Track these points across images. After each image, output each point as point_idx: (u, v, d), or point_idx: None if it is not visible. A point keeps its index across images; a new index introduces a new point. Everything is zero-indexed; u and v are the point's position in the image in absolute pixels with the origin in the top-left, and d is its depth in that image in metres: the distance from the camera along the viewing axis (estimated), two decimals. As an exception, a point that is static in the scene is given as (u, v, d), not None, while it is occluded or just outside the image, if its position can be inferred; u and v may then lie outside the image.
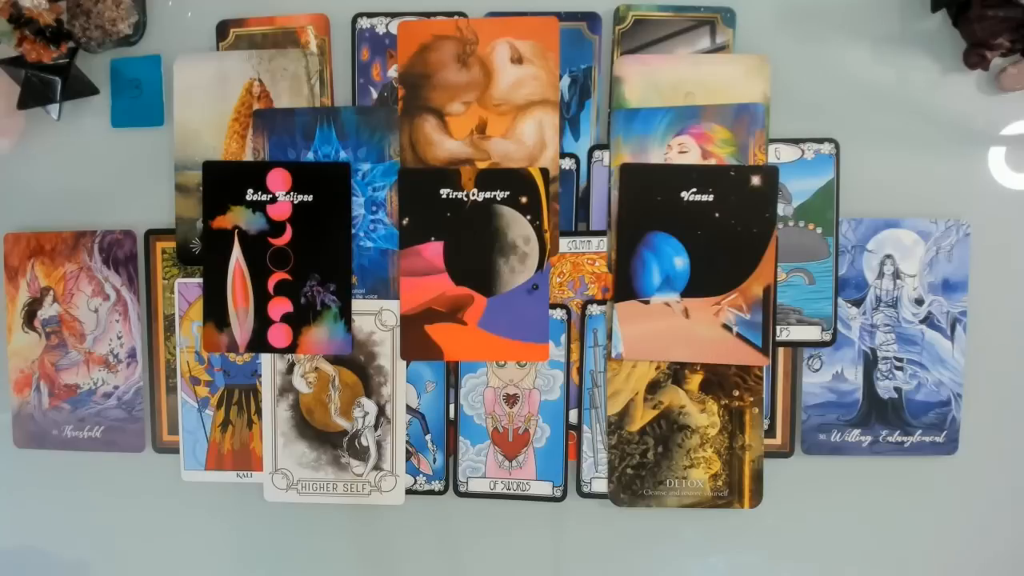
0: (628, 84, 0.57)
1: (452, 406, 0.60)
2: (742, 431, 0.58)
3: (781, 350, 0.58)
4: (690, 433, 0.58)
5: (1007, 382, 0.59)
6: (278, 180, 0.58)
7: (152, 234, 0.61)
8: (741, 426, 0.58)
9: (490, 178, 0.57)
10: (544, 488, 0.59)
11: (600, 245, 0.58)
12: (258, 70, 0.59)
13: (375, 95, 0.59)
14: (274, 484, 0.60)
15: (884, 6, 0.58)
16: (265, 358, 0.60)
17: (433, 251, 0.58)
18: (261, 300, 0.59)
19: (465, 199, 0.58)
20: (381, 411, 0.59)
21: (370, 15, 0.59)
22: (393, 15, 0.58)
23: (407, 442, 0.60)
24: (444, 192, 0.58)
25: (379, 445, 0.59)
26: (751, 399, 0.58)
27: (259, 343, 0.59)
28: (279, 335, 0.59)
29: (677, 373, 0.58)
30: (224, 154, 0.59)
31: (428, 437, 0.60)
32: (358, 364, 0.59)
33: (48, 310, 0.62)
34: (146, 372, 0.61)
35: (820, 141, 0.57)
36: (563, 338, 0.58)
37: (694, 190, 0.57)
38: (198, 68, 0.59)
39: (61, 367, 0.62)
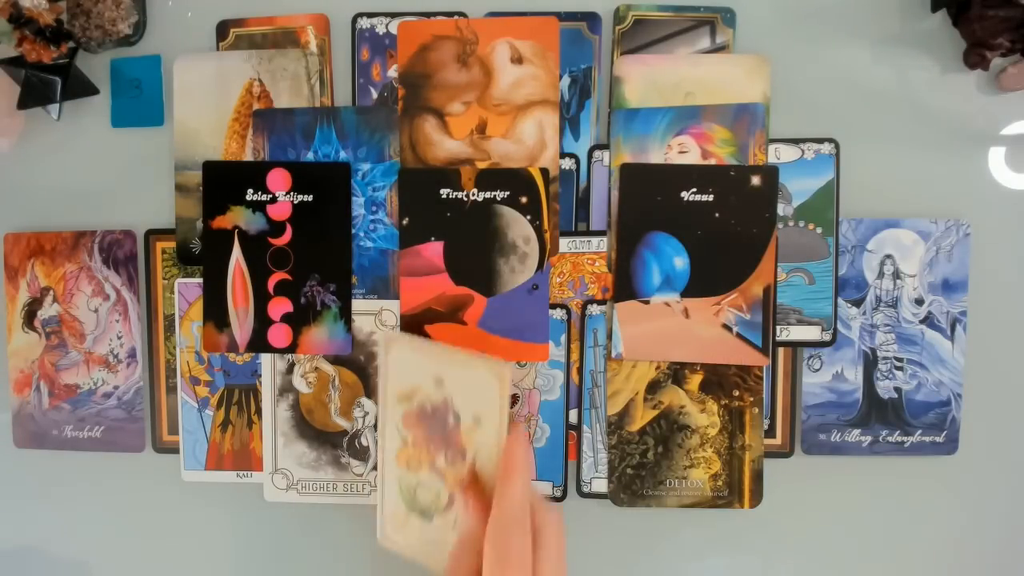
0: (628, 84, 0.57)
1: (452, 406, 0.60)
2: (742, 431, 0.58)
3: (781, 350, 0.58)
4: (690, 433, 0.58)
5: (1007, 382, 0.59)
6: (278, 180, 0.58)
7: (152, 234, 0.61)
8: (741, 426, 0.58)
9: (490, 178, 0.57)
10: (544, 488, 0.59)
11: (600, 245, 0.58)
12: (258, 70, 0.59)
13: (375, 95, 0.59)
14: (274, 484, 0.60)
15: (884, 6, 0.58)
16: (265, 358, 0.60)
17: (433, 251, 0.58)
18: (261, 300, 0.59)
19: (465, 199, 0.58)
20: (381, 411, 0.59)
21: (370, 15, 0.59)
22: (393, 15, 0.58)
23: (407, 442, 0.60)
24: (444, 192, 0.58)
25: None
26: (751, 399, 0.58)
27: (259, 343, 0.59)
28: (279, 335, 0.59)
29: (677, 373, 0.58)
30: (224, 154, 0.59)
31: (428, 437, 0.60)
32: (358, 364, 0.59)
33: (48, 310, 0.62)
34: (146, 372, 0.61)
35: (820, 141, 0.58)
36: (563, 338, 0.58)
37: (694, 190, 0.57)
38: (198, 68, 0.59)
39: (61, 367, 0.62)
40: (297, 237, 0.58)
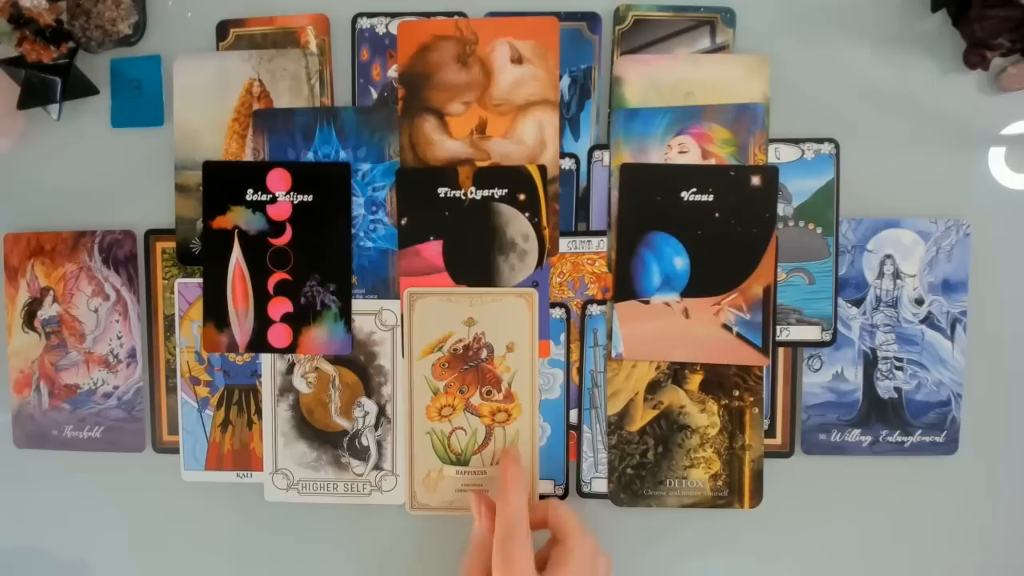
0: (628, 84, 0.57)
1: (452, 406, 0.60)
2: (742, 431, 0.58)
3: (781, 350, 0.58)
4: (690, 433, 0.58)
5: (1007, 382, 0.59)
6: (278, 180, 0.58)
7: (152, 234, 0.61)
8: (741, 426, 0.58)
9: (488, 176, 0.57)
10: (545, 488, 0.59)
11: (600, 245, 0.58)
12: (258, 70, 0.59)
13: (375, 95, 0.59)
14: (274, 484, 0.60)
15: (884, 6, 0.58)
16: (265, 358, 0.60)
17: (432, 250, 0.58)
18: (261, 300, 0.59)
19: (463, 197, 0.58)
20: (381, 411, 0.59)
21: (370, 15, 0.59)
22: (393, 15, 0.58)
23: (407, 442, 0.60)
24: (442, 191, 0.58)
25: (379, 445, 0.59)
26: (751, 399, 0.58)
27: (259, 343, 0.59)
28: (279, 335, 0.59)
29: (677, 373, 0.58)
30: (224, 154, 0.59)
31: (428, 437, 0.60)
32: (358, 364, 0.59)
33: (48, 310, 0.62)
34: (146, 372, 0.61)
35: (820, 141, 0.57)
36: (563, 338, 0.58)
37: (694, 190, 0.57)
38: (198, 68, 0.59)
39: (61, 367, 0.62)
40: (297, 237, 0.58)
